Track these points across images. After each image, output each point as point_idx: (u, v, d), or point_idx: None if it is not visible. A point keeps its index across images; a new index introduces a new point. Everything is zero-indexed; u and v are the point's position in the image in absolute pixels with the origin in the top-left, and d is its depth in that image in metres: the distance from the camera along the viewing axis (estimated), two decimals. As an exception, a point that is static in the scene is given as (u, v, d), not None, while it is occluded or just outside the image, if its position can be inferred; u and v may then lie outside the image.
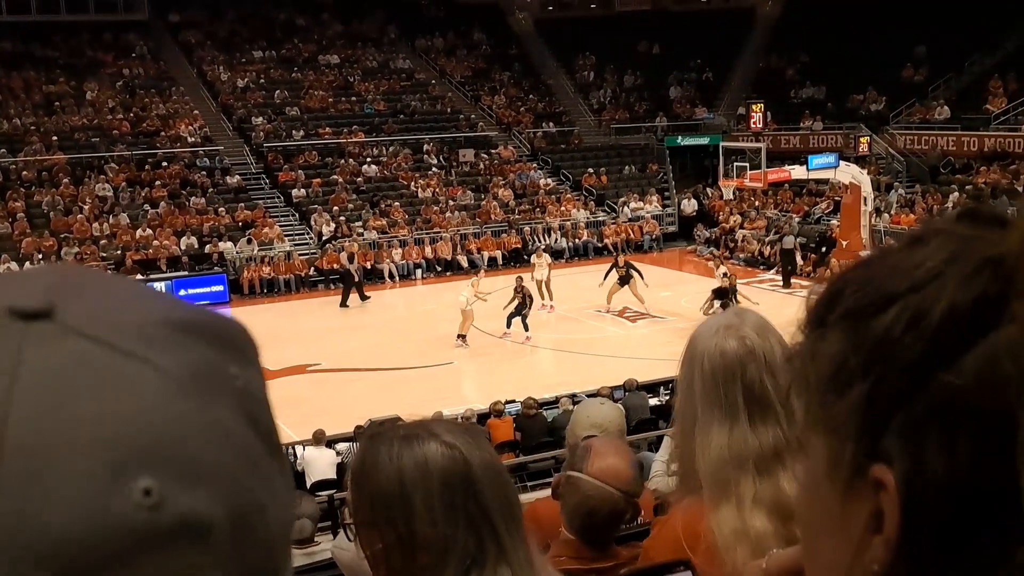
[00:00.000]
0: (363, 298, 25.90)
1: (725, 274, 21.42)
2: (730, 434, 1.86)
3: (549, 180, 35.79)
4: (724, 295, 19.88)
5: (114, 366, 0.47)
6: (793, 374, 0.67)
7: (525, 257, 28.87)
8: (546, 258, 24.99)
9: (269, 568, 0.51)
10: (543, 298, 23.35)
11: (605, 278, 23.25)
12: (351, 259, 26.78)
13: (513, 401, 15.12)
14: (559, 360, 20.01)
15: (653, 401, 14.87)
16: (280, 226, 30.61)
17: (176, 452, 0.47)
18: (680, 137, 38.32)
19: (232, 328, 0.54)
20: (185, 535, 0.46)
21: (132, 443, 0.45)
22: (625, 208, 33.80)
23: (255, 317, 22.44)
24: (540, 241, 31.17)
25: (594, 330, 22.11)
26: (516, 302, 21.25)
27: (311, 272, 28.31)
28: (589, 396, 13.94)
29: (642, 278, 22.96)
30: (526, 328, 21.21)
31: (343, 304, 25.45)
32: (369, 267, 28.78)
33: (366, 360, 19.98)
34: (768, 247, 29.51)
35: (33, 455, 0.43)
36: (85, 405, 0.45)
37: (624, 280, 23.01)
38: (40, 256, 26.87)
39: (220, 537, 0.47)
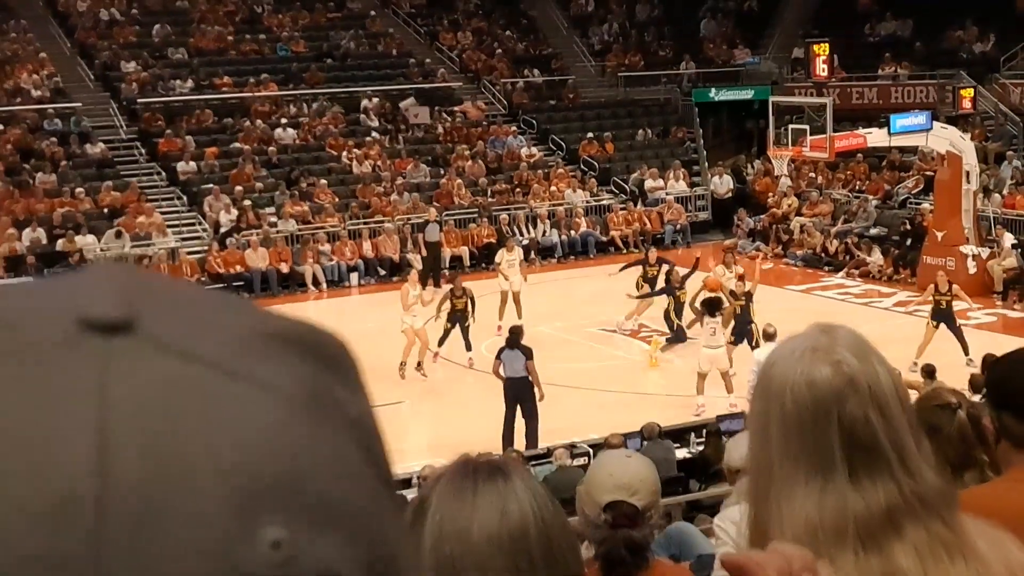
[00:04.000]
0: (436, 283, 26.72)
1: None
2: (822, 493, 1.87)
3: (534, 150, 35.90)
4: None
5: (220, 388, 0.49)
6: None
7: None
8: (518, 253, 25.12)
9: None
10: (501, 316, 22.92)
11: (639, 291, 23.11)
12: (440, 228, 29.42)
13: (489, 454, 15.16)
14: (550, 397, 20.07)
15: (681, 453, 14.96)
16: (161, 214, 30.57)
17: (305, 490, 0.49)
18: (714, 90, 38.49)
19: (332, 343, 0.58)
20: None
21: (255, 479, 0.48)
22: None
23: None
24: (522, 234, 31.24)
25: (598, 356, 22.19)
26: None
27: (204, 277, 28.25)
28: (594, 447, 14.07)
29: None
30: (468, 346, 21.47)
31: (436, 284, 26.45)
32: (286, 270, 28.79)
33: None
34: (835, 241, 29.74)
35: (143, 496, 0.46)
36: (195, 436, 0.47)
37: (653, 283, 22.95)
38: None
39: None
